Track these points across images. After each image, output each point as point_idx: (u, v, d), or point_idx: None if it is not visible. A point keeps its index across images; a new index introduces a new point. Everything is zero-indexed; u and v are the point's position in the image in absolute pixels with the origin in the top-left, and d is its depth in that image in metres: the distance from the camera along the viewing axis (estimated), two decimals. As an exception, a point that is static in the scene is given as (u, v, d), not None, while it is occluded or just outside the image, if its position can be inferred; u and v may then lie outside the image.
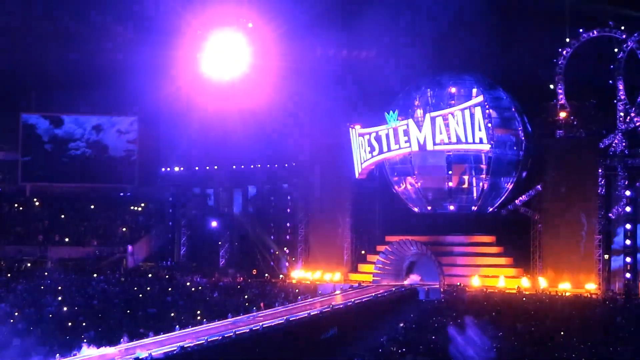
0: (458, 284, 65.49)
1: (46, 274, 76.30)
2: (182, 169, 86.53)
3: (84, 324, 60.66)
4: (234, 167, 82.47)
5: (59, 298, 67.74)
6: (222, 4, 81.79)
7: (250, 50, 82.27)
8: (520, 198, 68.86)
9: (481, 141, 68.20)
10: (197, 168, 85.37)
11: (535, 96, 69.69)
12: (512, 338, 50.93)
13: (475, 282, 66.21)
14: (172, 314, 62.66)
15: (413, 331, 54.46)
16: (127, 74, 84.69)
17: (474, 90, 70.10)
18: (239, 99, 77.77)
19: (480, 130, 68.05)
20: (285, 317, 54.34)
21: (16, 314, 63.52)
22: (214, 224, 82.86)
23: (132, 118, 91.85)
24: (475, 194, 71.11)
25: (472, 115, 68.21)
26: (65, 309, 64.79)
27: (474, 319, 54.81)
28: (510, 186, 70.61)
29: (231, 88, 79.95)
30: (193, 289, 70.53)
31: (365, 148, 72.69)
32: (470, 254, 69.82)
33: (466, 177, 71.29)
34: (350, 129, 73.54)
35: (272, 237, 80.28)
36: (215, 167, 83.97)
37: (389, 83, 74.53)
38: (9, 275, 75.01)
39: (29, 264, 79.07)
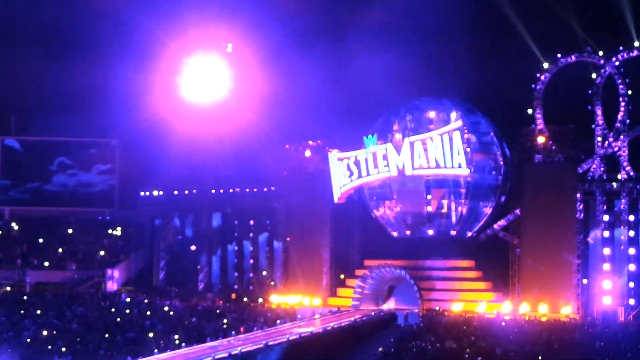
0: (437, 308, 65.54)
1: (25, 297, 75.91)
2: (161, 193, 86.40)
3: (62, 348, 60.46)
4: (213, 191, 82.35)
5: (38, 322, 67.45)
6: (201, 28, 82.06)
7: (229, 74, 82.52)
8: (499, 222, 69.08)
9: (460, 166, 68.39)
10: (176, 192, 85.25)
11: (513, 121, 70.04)
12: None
13: (454, 306, 66.25)
14: (151, 339, 62.47)
15: (392, 355, 54.46)
16: (107, 98, 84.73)
17: (453, 115, 70.30)
18: (218, 123, 77.89)
19: (459, 154, 68.26)
20: (264, 342, 54.32)
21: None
22: (192, 248, 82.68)
23: (112, 141, 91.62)
24: (454, 219, 71.25)
25: (450, 140, 68.43)
26: (44, 332, 64.51)
27: (452, 343, 55.07)
28: (489, 211, 70.79)
29: (210, 112, 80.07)
30: (172, 313, 70.28)
31: (344, 172, 72.72)
32: (449, 278, 69.87)
33: (445, 202, 71.40)
34: (329, 153, 73.60)
35: (251, 261, 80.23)
36: (194, 191, 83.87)
37: (368, 107, 74.83)
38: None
39: (7, 288, 78.61)
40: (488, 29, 73.54)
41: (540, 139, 66.96)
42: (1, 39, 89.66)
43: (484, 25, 74.18)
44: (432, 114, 71.90)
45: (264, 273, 78.66)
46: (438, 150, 68.76)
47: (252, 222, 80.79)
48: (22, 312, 70.37)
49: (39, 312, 70.39)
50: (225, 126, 77.52)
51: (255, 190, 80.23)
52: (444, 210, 71.41)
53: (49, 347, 61.28)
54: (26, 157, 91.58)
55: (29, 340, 63.12)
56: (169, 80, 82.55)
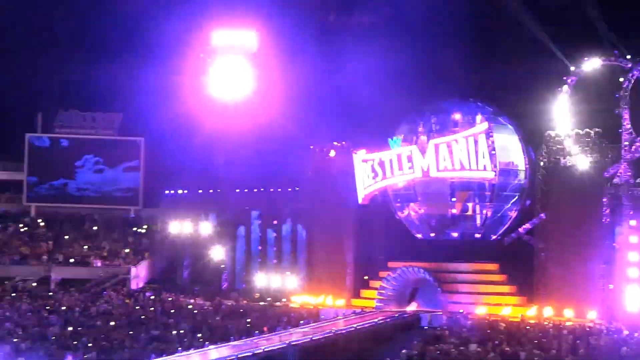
0: (461, 311, 65.44)
1: (50, 294, 76.47)
2: (185, 191, 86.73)
3: (87, 344, 60.74)
4: (237, 190, 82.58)
5: (63, 318, 67.91)
6: (227, 27, 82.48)
7: (254, 73, 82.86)
8: (524, 226, 68.68)
9: (485, 168, 68.25)
10: (200, 191, 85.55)
11: (539, 124, 69.77)
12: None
13: (479, 310, 66.15)
14: (175, 337, 62.72)
15: (415, 357, 54.40)
16: (133, 96, 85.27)
17: (478, 117, 70.13)
18: (243, 123, 78.16)
19: (484, 157, 68.10)
20: (287, 341, 54.44)
21: (20, 332, 63.71)
22: (216, 247, 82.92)
23: (137, 140, 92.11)
24: (478, 222, 71.14)
25: (476, 142, 68.28)
26: (69, 328, 64.93)
27: (476, 346, 54.96)
28: (514, 214, 70.62)
29: (235, 112, 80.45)
30: (196, 311, 70.59)
31: (369, 174, 72.77)
32: (473, 281, 69.70)
33: (470, 205, 71.26)
34: (354, 154, 73.66)
35: (274, 261, 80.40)
36: (219, 190, 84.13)
37: (393, 109, 74.80)
38: (13, 294, 75.19)
39: (33, 284, 79.17)
40: (515, 31, 73.33)
41: (566, 143, 66.29)
42: (27, 37, 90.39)
43: (511, 28, 73.96)
44: (457, 116, 71.71)
45: (288, 274, 78.74)
46: (463, 152, 68.61)
47: (275, 222, 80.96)
48: (47, 307, 70.94)
49: (64, 308, 70.95)
50: (251, 126, 77.79)
51: (279, 190, 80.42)
52: (469, 213, 71.28)
53: (74, 342, 61.66)
54: (52, 154, 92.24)
55: (54, 336, 63.56)
56: (195, 79, 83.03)
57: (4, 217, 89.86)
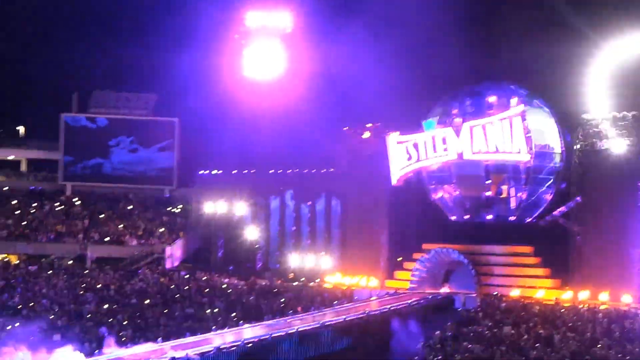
0: (495, 293, 65.37)
1: (85, 271, 77.16)
2: (219, 172, 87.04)
3: (123, 322, 61.41)
4: (271, 170, 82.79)
5: (98, 295, 68.62)
6: (261, 7, 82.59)
7: (289, 54, 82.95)
8: (560, 209, 68.29)
9: (520, 151, 67.95)
10: (234, 171, 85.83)
11: (575, 107, 69.31)
12: (548, 349, 50.83)
13: (513, 292, 66.05)
14: (209, 315, 63.24)
15: (449, 339, 54.53)
16: (167, 76, 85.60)
17: (514, 100, 69.75)
18: (277, 103, 78.35)
19: (519, 140, 67.76)
20: (321, 321, 54.73)
21: (56, 309, 64.48)
22: (250, 227, 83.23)
23: (172, 120, 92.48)
24: (513, 204, 70.83)
25: (511, 125, 67.95)
26: (104, 306, 65.61)
27: (510, 329, 54.96)
28: (549, 197, 70.25)
29: (270, 92, 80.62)
30: (230, 291, 71.01)
31: (403, 156, 72.68)
32: (507, 264, 69.50)
33: (504, 187, 70.98)
34: (388, 135, 73.57)
35: (308, 241, 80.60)
36: (253, 170, 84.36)
37: (428, 91, 74.63)
38: (50, 272, 75.89)
39: (69, 262, 79.87)
40: (551, 11, 72.85)
41: (602, 126, 65.85)
42: (64, 17, 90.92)
43: (547, 10, 73.51)
44: (492, 99, 71.34)
45: (322, 253, 78.91)
46: (498, 135, 68.35)
47: (309, 202, 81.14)
48: (83, 285, 71.62)
49: (99, 286, 71.60)
50: (285, 106, 77.93)
51: (313, 171, 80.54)
52: (504, 195, 71.00)
53: (110, 320, 62.34)
54: (87, 134, 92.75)
55: (89, 314, 64.24)
56: (229, 60, 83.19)
57: (40, 196, 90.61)
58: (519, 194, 70.49)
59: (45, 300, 67.05)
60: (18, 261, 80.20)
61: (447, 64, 74.75)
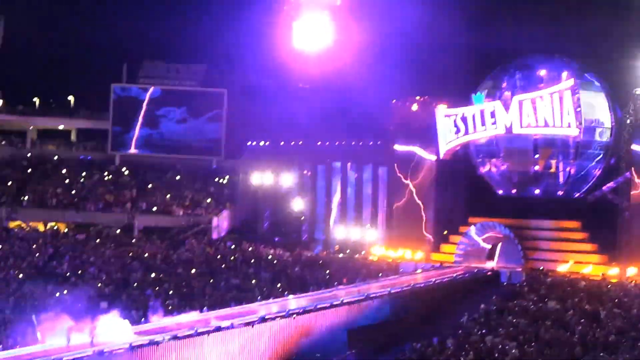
0: (541, 268, 64.96)
1: (133, 241, 77.84)
2: (267, 143, 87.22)
3: (169, 291, 61.91)
4: (319, 142, 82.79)
5: (145, 264, 69.23)
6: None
7: (338, 25, 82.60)
8: (608, 185, 67.54)
9: (569, 126, 67.32)
10: (282, 143, 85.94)
11: (625, 81, 68.40)
12: (594, 325, 50.44)
13: (559, 267, 65.60)
14: (255, 286, 63.55)
15: (493, 313, 54.32)
16: (217, 47, 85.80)
17: (564, 74, 68.99)
18: (325, 75, 78.20)
19: (569, 114, 67.16)
20: (366, 293, 54.76)
21: (104, 277, 65.19)
22: (297, 198, 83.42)
23: (221, 91, 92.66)
24: (561, 179, 70.31)
25: (561, 99, 67.34)
26: (151, 275, 66.20)
27: (556, 304, 54.60)
28: (598, 172, 69.54)
29: (318, 64, 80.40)
30: (275, 261, 71.31)
31: (451, 129, 72.37)
32: (554, 239, 68.99)
33: (553, 162, 70.42)
34: (436, 109, 73.24)
35: (354, 213, 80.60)
36: (300, 142, 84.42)
37: (477, 64, 74.07)
38: (98, 240, 76.67)
39: (117, 231, 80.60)
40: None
41: None
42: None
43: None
44: (542, 72, 70.70)
45: (368, 226, 78.90)
46: (547, 109, 67.76)
47: (356, 175, 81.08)
48: (130, 254, 72.27)
49: (146, 255, 72.22)
50: (333, 78, 77.76)
51: (361, 143, 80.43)
52: (552, 170, 70.49)
53: (156, 288, 62.90)
54: (136, 104, 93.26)
55: (136, 282, 64.85)
56: (279, 31, 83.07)
57: (90, 165, 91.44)
58: (567, 169, 69.93)
59: (93, 268, 67.81)
60: (67, 229, 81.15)
61: (497, 36, 74.01)
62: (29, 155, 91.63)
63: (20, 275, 65.67)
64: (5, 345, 45.01)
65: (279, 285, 63.58)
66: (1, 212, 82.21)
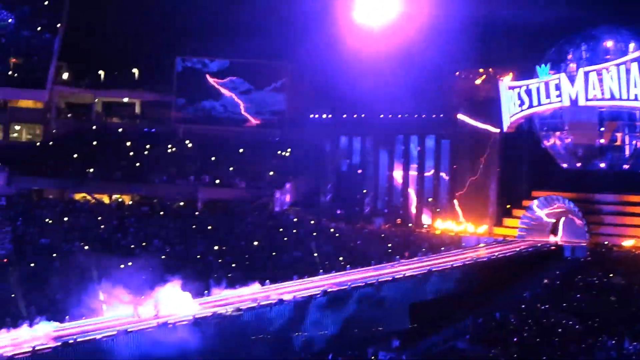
0: (606, 243, 64.19)
1: (196, 213, 78.29)
2: (330, 116, 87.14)
3: (232, 264, 62.26)
4: (382, 116, 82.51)
5: (208, 237, 69.63)
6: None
7: (398, 1, 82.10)
8: (676, 158, 66.77)
9: (636, 98, 66.26)
10: (344, 116, 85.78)
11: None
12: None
13: (624, 242, 64.75)
14: (317, 259, 63.68)
15: (557, 287, 53.90)
16: (281, 21, 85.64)
17: (631, 45, 67.92)
18: (389, 48, 77.76)
19: (635, 86, 66.13)
20: (428, 268, 54.66)
21: (167, 250, 65.73)
22: (359, 171, 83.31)
23: (284, 64, 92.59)
24: (627, 152, 69.39)
25: (627, 71, 66.33)
26: (214, 248, 66.58)
27: (620, 279, 54.01)
28: (665, 146, 68.60)
29: (382, 37, 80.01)
30: (337, 235, 71.36)
31: (515, 101, 71.71)
32: (620, 213, 68.15)
33: (619, 135, 69.53)
34: (500, 81, 72.56)
35: (417, 187, 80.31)
36: (363, 115, 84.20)
37: (542, 35, 73.16)
38: (162, 213, 77.23)
39: (181, 203, 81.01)
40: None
41: None
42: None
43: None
44: (609, 44, 69.66)
45: (430, 200, 78.59)
46: (614, 81, 66.80)
47: (419, 148, 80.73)
48: (193, 227, 72.73)
49: (209, 227, 72.63)
50: (397, 51, 77.32)
51: (424, 116, 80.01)
52: (617, 143, 69.57)
53: (219, 261, 63.33)
54: (200, 76, 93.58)
55: (199, 255, 65.33)
56: (342, 4, 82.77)
57: (153, 138, 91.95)
58: (633, 142, 69.03)
59: (157, 240, 68.43)
60: (131, 202, 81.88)
61: (562, 7, 73.00)
62: (94, 127, 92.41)
63: (86, 247, 66.45)
64: (71, 316, 45.65)
65: (341, 258, 63.62)
66: (67, 184, 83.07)
